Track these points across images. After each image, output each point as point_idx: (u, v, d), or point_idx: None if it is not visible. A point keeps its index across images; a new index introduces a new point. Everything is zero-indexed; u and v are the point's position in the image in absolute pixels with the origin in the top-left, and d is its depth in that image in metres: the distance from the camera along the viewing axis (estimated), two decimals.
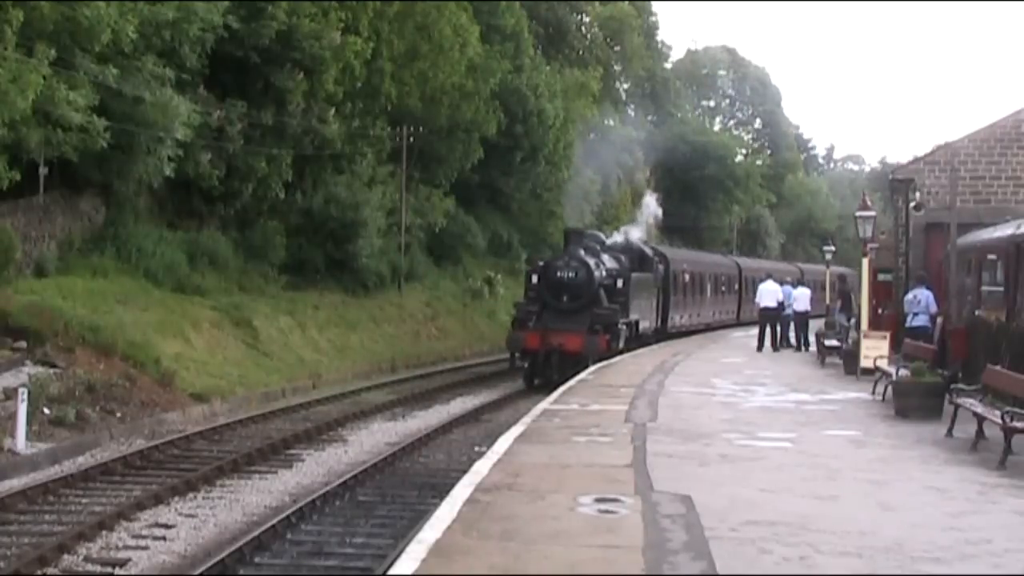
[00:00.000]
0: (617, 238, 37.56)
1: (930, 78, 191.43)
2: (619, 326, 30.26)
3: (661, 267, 37.53)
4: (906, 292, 27.30)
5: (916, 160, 32.63)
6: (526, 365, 29.83)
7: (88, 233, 29.35)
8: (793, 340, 33.44)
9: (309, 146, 36.21)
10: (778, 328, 33.31)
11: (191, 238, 32.89)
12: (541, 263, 32.17)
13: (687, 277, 41.37)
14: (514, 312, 31.20)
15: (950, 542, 9.17)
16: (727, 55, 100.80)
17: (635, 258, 34.86)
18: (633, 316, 32.18)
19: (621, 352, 30.10)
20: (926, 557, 8.66)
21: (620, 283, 31.22)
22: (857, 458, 13.58)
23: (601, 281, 30.36)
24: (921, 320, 24.60)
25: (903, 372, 18.69)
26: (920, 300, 24.85)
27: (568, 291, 29.77)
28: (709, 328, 44.80)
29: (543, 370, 29.06)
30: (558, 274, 29.99)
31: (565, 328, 28.88)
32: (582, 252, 30.79)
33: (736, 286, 51.34)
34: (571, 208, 46.88)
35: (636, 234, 40.54)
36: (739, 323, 49.68)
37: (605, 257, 32.27)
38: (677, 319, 40.14)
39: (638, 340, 33.01)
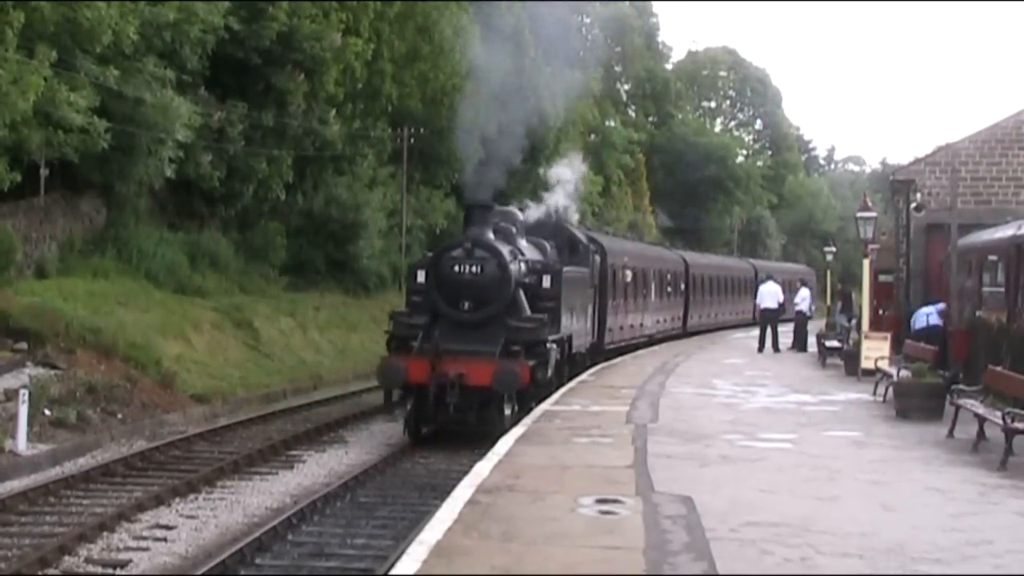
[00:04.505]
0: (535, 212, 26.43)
1: (931, 79, 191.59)
2: (547, 345, 20.49)
3: (597, 259, 27.63)
4: (907, 294, 27.37)
5: (917, 161, 32.68)
6: (409, 406, 20.11)
7: (89, 234, 29.36)
8: (781, 342, 33.17)
9: (310, 147, 36.25)
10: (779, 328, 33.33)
11: (192, 239, 32.92)
12: (430, 253, 22.49)
13: (628, 274, 31.92)
14: (390, 326, 21.34)
15: (951, 543, 9.18)
16: (728, 56, 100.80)
17: (563, 245, 25.08)
18: (565, 330, 22.42)
19: (550, 383, 21.09)
20: (927, 558, 8.67)
21: (547, 281, 21.40)
22: (858, 459, 13.59)
23: (520, 279, 20.68)
24: (930, 320, 24.62)
25: (904, 373, 18.72)
26: (930, 312, 25.00)
27: (471, 294, 20.13)
28: (652, 341, 36.13)
29: (435, 412, 19.65)
30: (455, 269, 20.26)
31: (467, 350, 19.55)
32: (491, 236, 20.92)
33: (682, 286, 41.76)
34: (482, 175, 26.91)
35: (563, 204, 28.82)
36: (685, 333, 41.70)
37: (523, 244, 22.41)
38: (616, 331, 30.71)
39: (571, 364, 24.01)
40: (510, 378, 19.13)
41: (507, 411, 19.35)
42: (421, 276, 20.85)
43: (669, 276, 39.27)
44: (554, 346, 21.12)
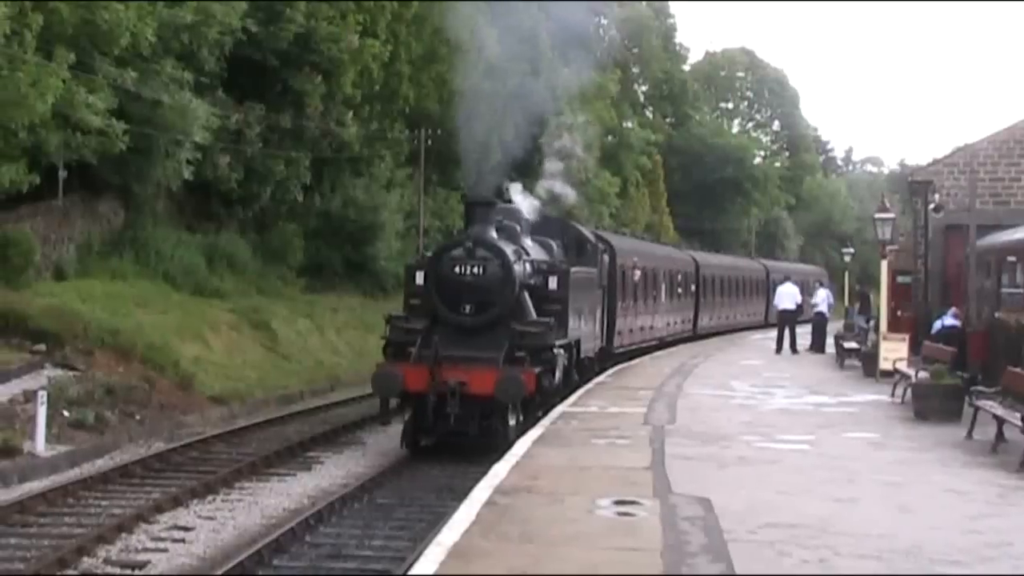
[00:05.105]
0: (519, 200, 23.90)
1: (949, 80, 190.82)
2: (554, 351, 19.04)
3: (606, 258, 26.38)
4: (925, 295, 27.23)
5: (935, 162, 32.53)
6: (407, 416, 19.05)
7: (107, 236, 29.47)
8: (799, 343, 32.94)
9: (327, 149, 36.33)
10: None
11: (209, 241, 33.03)
12: (430, 253, 21.57)
13: (637, 275, 30.34)
14: (387, 331, 19.45)
15: (969, 545, 9.15)
16: (745, 57, 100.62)
17: (571, 244, 23.94)
18: (574, 334, 21.11)
19: (557, 391, 19.99)
20: (945, 560, 8.64)
21: (554, 282, 20.24)
22: (876, 460, 13.56)
23: (524, 280, 19.38)
24: (946, 321, 24.51)
25: (922, 374, 18.65)
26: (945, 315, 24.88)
27: (473, 297, 18.76)
28: (662, 344, 34.55)
29: (434, 423, 18.36)
30: (456, 269, 18.90)
31: (468, 357, 18.24)
32: (493, 234, 19.51)
33: (693, 287, 40.13)
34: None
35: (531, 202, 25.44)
36: (695, 336, 40.18)
37: (528, 243, 21.01)
38: (626, 334, 29.22)
39: (579, 371, 22.57)
40: (514, 386, 17.76)
41: (512, 421, 18.07)
42: (420, 277, 19.62)
43: (679, 277, 37.78)
44: (561, 351, 19.74)
